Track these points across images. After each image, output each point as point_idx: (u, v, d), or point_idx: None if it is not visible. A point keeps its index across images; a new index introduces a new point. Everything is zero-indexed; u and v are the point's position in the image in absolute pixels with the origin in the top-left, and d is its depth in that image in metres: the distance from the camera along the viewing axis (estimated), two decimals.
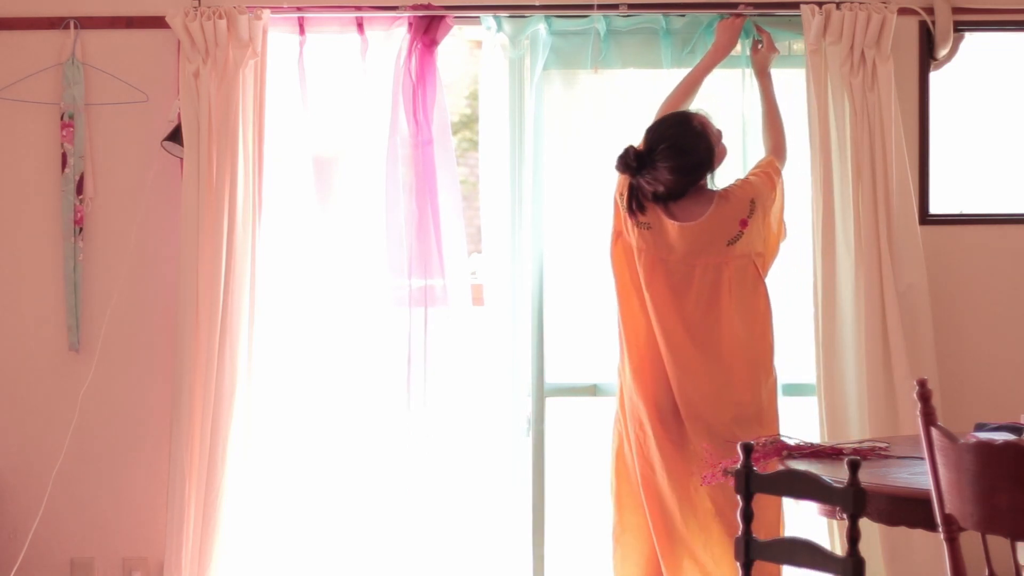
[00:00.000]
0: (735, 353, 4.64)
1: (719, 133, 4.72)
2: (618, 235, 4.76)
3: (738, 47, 5.03)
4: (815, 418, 4.97)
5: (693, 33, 5.05)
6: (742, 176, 4.82)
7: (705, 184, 4.69)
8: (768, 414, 4.67)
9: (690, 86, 4.89)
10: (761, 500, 3.72)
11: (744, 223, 4.64)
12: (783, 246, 4.87)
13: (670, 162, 4.58)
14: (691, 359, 4.64)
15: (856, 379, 4.92)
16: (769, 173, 4.76)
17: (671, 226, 4.63)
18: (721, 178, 4.78)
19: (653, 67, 5.08)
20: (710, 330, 4.64)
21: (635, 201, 4.65)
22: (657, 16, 5.03)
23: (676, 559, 4.70)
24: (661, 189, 4.61)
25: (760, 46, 4.97)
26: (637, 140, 5.04)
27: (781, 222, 4.81)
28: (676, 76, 5.00)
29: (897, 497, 3.51)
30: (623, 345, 4.76)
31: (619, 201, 4.73)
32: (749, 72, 5.03)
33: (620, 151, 4.65)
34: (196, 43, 4.91)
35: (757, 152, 4.94)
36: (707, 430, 4.60)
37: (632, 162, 4.61)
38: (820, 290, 4.96)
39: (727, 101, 5.10)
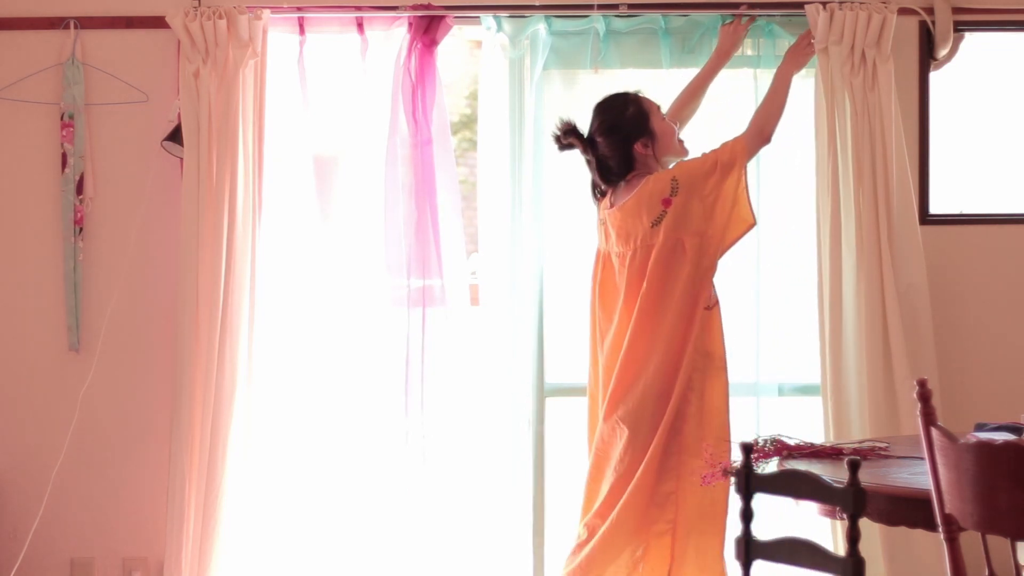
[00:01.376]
0: (655, 356, 4.57)
1: (665, 122, 4.69)
2: (596, 252, 4.81)
3: (739, 49, 5.03)
4: (819, 418, 4.96)
5: (693, 33, 5.05)
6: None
7: (647, 168, 4.66)
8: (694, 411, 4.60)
9: (695, 90, 4.90)
10: None
11: (667, 202, 4.57)
12: (786, 242, 4.85)
13: (594, 122, 4.68)
14: (613, 368, 4.65)
15: (857, 379, 4.92)
16: (716, 151, 4.64)
17: (609, 214, 4.67)
18: None
19: (653, 67, 5.08)
20: (632, 328, 4.60)
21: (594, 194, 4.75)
22: (656, 16, 5.03)
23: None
24: (589, 159, 4.69)
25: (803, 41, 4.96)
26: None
27: (741, 204, 4.63)
28: (675, 76, 5.01)
29: (897, 497, 3.51)
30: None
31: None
32: (759, 72, 5.02)
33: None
34: (196, 43, 4.91)
35: (765, 153, 4.88)
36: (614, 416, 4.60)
37: (560, 132, 4.69)
38: (827, 291, 4.95)
39: (736, 101, 5.10)
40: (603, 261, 4.74)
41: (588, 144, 4.71)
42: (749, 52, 5.09)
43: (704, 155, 4.66)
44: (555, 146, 4.75)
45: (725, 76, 4.99)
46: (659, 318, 4.57)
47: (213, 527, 4.90)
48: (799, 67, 4.92)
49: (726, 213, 4.62)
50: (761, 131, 4.70)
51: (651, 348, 4.57)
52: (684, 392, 4.56)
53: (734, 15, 4.96)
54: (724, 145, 4.66)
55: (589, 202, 5.09)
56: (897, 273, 4.94)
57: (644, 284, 4.58)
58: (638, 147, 4.64)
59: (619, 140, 4.65)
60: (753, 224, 4.60)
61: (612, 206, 4.67)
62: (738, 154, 4.62)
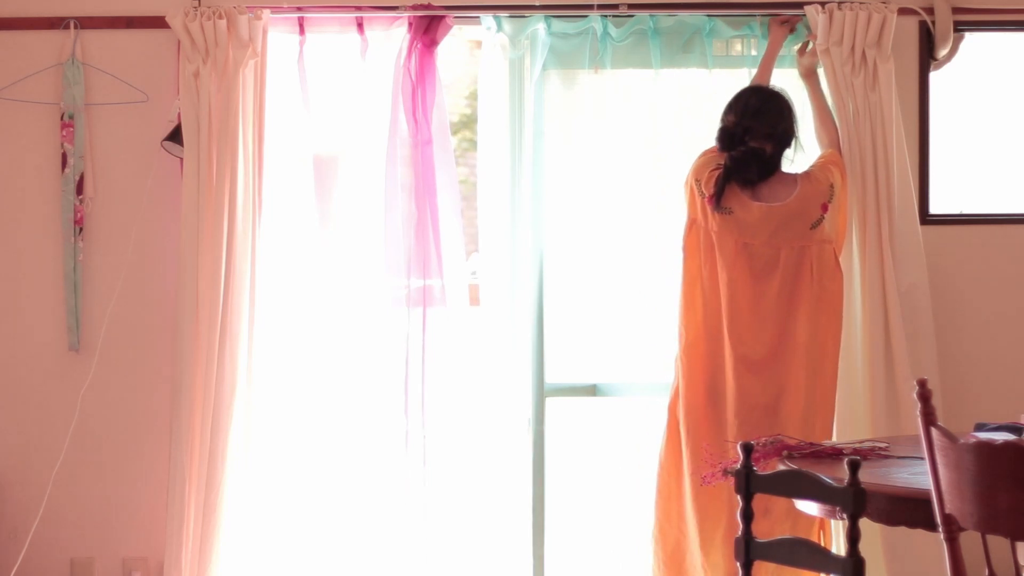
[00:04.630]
0: (801, 349, 4.63)
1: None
2: (692, 223, 4.72)
3: (739, 47, 5.03)
4: None
5: (692, 32, 5.05)
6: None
7: (781, 165, 4.71)
8: (821, 415, 4.67)
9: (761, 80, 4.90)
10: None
11: (825, 207, 4.65)
12: None
13: (770, 121, 4.64)
14: (755, 358, 4.62)
15: (860, 379, 4.92)
16: (834, 162, 4.79)
17: (756, 208, 4.61)
18: None
19: (652, 67, 5.07)
20: (784, 321, 4.63)
21: (722, 187, 4.61)
22: (657, 16, 5.02)
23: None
24: (763, 150, 4.61)
25: (808, 47, 4.97)
26: (637, 140, 5.04)
27: (846, 219, 4.83)
28: (673, 76, 5.01)
29: (897, 497, 3.50)
30: (680, 333, 4.73)
31: (695, 187, 4.69)
32: (754, 72, 5.02)
33: (719, 133, 4.67)
34: (196, 43, 4.91)
35: None
36: (754, 427, 4.56)
37: (740, 133, 4.62)
38: None
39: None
40: (734, 248, 4.63)
41: (767, 145, 4.66)
42: (753, 52, 5.08)
43: (832, 164, 4.77)
44: (720, 144, 4.67)
45: (722, 75, 4.99)
46: (820, 333, 4.66)
47: (213, 527, 4.90)
48: (815, 69, 4.95)
49: (844, 225, 4.80)
50: (839, 145, 4.88)
51: (817, 373, 4.66)
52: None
53: (779, 14, 4.96)
54: (835, 156, 4.81)
55: (589, 201, 5.10)
56: (898, 273, 4.93)
57: (811, 302, 4.62)
58: (788, 148, 4.73)
59: (785, 142, 4.70)
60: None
61: (759, 198, 4.62)
62: (844, 168, 4.82)
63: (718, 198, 4.60)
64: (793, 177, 4.69)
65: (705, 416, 4.67)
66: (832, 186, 4.69)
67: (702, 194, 4.65)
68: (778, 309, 4.62)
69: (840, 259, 4.85)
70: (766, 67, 4.91)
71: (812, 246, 4.64)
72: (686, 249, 4.73)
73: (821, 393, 4.67)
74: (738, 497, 3.54)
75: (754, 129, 4.62)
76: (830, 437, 4.72)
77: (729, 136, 4.65)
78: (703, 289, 4.67)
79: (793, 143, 4.73)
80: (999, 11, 5.17)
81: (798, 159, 4.79)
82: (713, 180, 4.63)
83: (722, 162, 4.65)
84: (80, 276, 5.12)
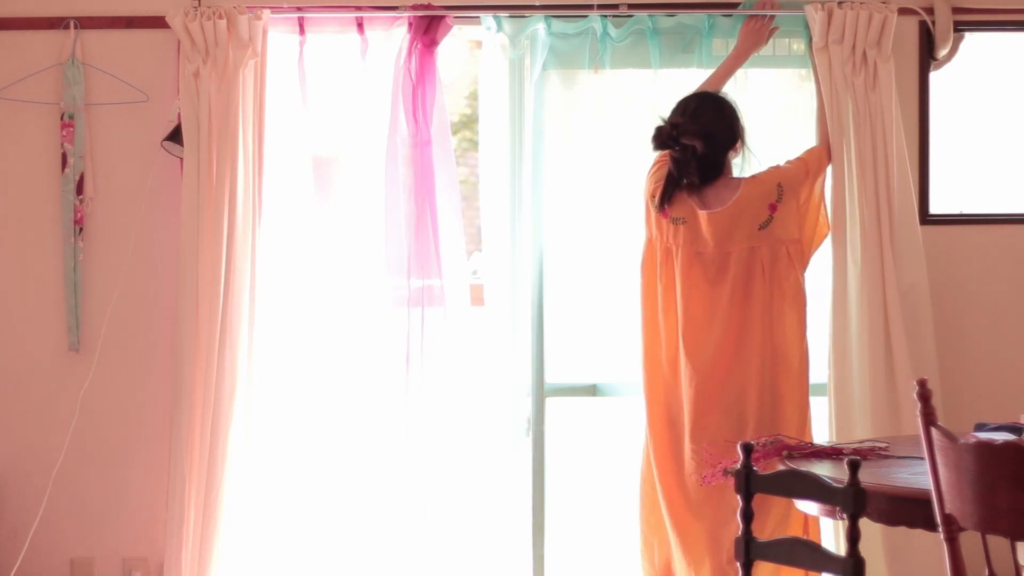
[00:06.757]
0: (757, 348, 4.65)
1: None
2: (648, 242, 4.77)
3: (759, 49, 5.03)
4: (824, 418, 4.95)
5: (693, 32, 5.05)
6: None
7: (730, 172, 4.71)
8: (787, 417, 4.68)
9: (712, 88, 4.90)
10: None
11: (773, 207, 4.65)
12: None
13: (703, 120, 4.62)
14: (710, 363, 4.65)
15: (860, 379, 4.92)
16: (805, 159, 4.78)
17: (703, 216, 4.64)
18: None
19: (651, 67, 5.07)
20: (740, 322, 4.65)
21: (669, 193, 4.65)
22: (657, 16, 5.02)
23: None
24: (693, 147, 4.59)
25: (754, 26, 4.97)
26: (637, 140, 5.04)
27: (823, 213, 4.82)
28: (673, 76, 5.01)
29: (897, 497, 3.51)
30: (642, 351, 4.78)
31: (650, 204, 4.74)
32: (751, 72, 5.01)
33: (653, 132, 4.68)
34: (196, 43, 4.91)
35: (767, 154, 4.90)
36: (710, 439, 4.60)
37: (668, 130, 4.63)
38: (832, 291, 4.95)
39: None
40: (688, 258, 4.68)
41: (696, 142, 4.64)
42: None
43: (793, 162, 4.77)
44: (653, 142, 4.68)
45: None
46: (776, 335, 4.68)
47: (213, 527, 4.90)
48: (757, 47, 4.95)
49: (813, 222, 4.80)
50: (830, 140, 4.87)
51: (776, 377, 4.68)
52: (776, 395, 4.68)
53: (752, 14, 4.95)
54: (811, 153, 4.81)
55: (589, 201, 5.10)
56: (898, 273, 4.93)
57: (765, 303, 4.65)
58: (731, 152, 4.71)
59: (726, 143, 4.68)
60: (828, 232, 4.82)
61: (704, 206, 4.65)
62: (825, 163, 4.82)
63: (665, 201, 4.65)
64: (737, 181, 4.70)
65: (667, 437, 4.74)
66: (779, 186, 4.67)
67: (657, 209, 4.69)
68: (731, 312, 4.66)
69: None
70: (721, 76, 4.87)
71: (762, 247, 4.66)
72: (643, 268, 4.78)
73: (785, 383, 4.68)
74: (738, 497, 3.55)
75: (683, 126, 4.63)
76: (806, 422, 4.71)
77: (658, 133, 4.66)
78: (662, 305, 4.72)
79: (740, 148, 4.72)
80: (999, 11, 5.17)
81: (751, 166, 4.79)
82: (660, 189, 4.68)
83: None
84: (80, 276, 5.13)
